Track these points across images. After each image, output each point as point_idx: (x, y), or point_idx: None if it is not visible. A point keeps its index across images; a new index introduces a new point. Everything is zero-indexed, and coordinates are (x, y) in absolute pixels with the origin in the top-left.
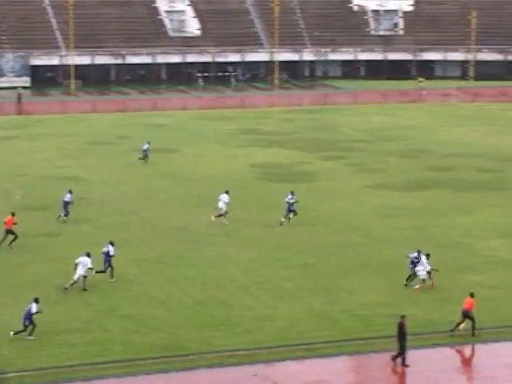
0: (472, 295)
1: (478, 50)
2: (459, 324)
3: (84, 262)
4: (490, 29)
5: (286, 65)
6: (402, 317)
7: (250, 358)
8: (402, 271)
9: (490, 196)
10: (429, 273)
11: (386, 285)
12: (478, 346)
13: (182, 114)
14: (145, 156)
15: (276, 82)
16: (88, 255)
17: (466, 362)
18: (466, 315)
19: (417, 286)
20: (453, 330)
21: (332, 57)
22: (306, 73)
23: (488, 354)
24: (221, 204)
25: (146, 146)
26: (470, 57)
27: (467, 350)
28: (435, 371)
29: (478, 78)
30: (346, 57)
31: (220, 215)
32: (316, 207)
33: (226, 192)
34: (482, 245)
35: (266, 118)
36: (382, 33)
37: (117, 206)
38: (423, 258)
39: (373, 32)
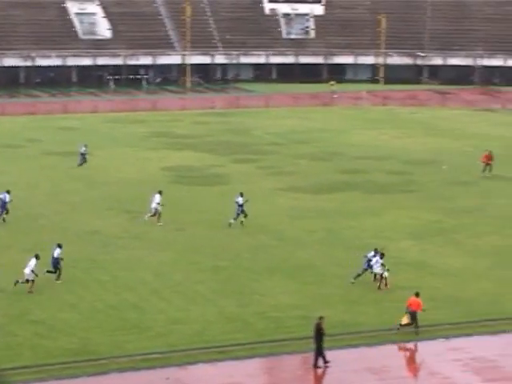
0: (417, 294)
1: (388, 54)
2: (407, 325)
3: (31, 264)
4: (399, 33)
5: (197, 68)
6: (320, 318)
7: (162, 362)
8: (313, 273)
9: (399, 198)
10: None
11: (297, 287)
12: (388, 347)
13: (92, 117)
14: (83, 159)
15: (188, 84)
16: (37, 257)
17: (377, 363)
18: (413, 315)
19: (378, 282)
20: (398, 329)
21: (244, 60)
22: (218, 76)
23: (398, 355)
24: (154, 205)
25: (83, 149)
26: (379, 60)
27: (378, 351)
28: (347, 372)
29: (387, 81)
30: (258, 60)
31: (154, 215)
32: (228, 210)
33: (159, 192)
34: (393, 246)
35: (178, 121)
36: (293, 36)
37: (27, 210)
38: (378, 257)
39: (284, 35)
